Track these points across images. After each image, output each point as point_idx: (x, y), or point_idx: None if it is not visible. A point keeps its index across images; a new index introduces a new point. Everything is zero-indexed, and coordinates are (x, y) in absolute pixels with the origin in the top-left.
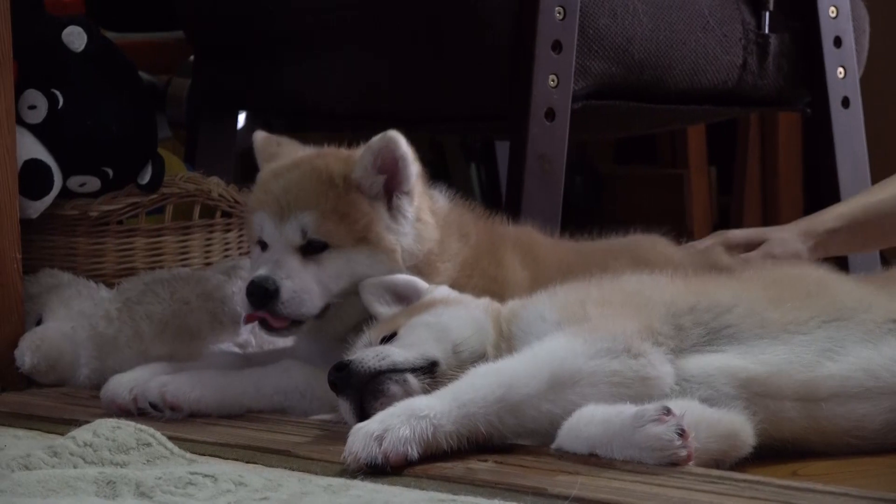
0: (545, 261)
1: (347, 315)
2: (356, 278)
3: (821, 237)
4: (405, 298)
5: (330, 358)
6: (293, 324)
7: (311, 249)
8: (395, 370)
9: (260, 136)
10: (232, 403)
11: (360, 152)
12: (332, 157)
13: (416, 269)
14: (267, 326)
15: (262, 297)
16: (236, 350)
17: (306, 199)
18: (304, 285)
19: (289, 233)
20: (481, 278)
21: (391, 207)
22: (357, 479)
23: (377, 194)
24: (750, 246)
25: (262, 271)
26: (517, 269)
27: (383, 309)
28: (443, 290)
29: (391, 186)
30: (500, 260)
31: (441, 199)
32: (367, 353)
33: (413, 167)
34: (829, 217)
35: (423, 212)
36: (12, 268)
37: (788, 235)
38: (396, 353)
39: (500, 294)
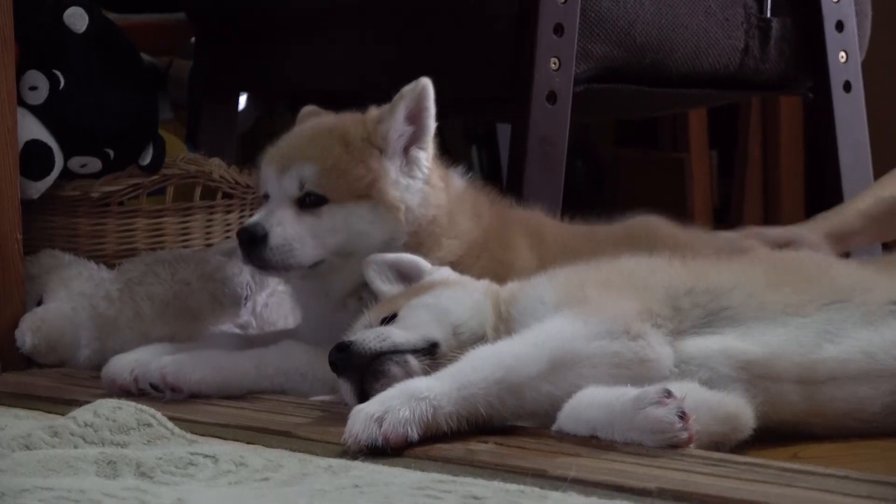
0: (552, 244)
1: (347, 273)
2: (355, 233)
3: (846, 237)
4: (408, 277)
5: (331, 332)
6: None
7: (308, 202)
8: (396, 351)
9: (305, 108)
10: (233, 385)
11: (384, 107)
12: (350, 118)
13: (418, 241)
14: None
15: (251, 242)
16: (237, 331)
17: (308, 153)
18: (296, 234)
19: (287, 184)
20: (489, 260)
21: (408, 162)
22: (357, 460)
23: (401, 148)
24: (778, 245)
25: (254, 218)
26: (525, 253)
27: (385, 286)
28: (444, 272)
29: (410, 140)
30: (509, 243)
31: (457, 179)
32: (368, 335)
33: (433, 121)
34: (851, 217)
35: (434, 176)
36: (13, 248)
37: (817, 238)
38: (397, 335)
39: (506, 277)
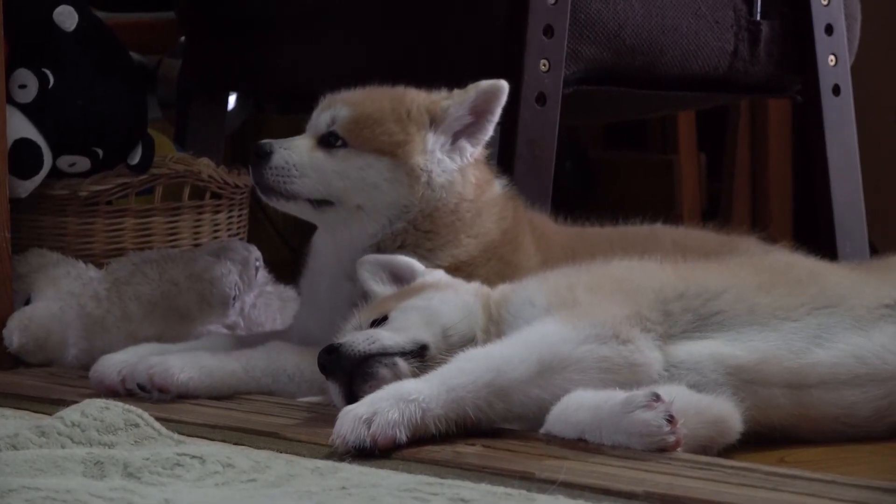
0: (556, 246)
1: (355, 229)
2: (366, 184)
3: None
4: (401, 279)
5: (331, 314)
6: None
7: (329, 142)
8: (385, 354)
9: None
10: (220, 386)
11: (458, 91)
12: (424, 92)
13: (434, 227)
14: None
15: (257, 157)
16: (225, 331)
17: (353, 99)
18: (299, 162)
19: (321, 119)
20: (499, 262)
21: (452, 146)
22: (345, 461)
23: (452, 131)
24: None
25: (268, 140)
26: (531, 254)
27: (378, 287)
28: (436, 275)
29: (465, 130)
30: (518, 244)
31: (497, 185)
32: (357, 337)
33: (492, 125)
34: None
35: (471, 172)
36: (1, 247)
37: None
38: (386, 337)
39: (513, 278)
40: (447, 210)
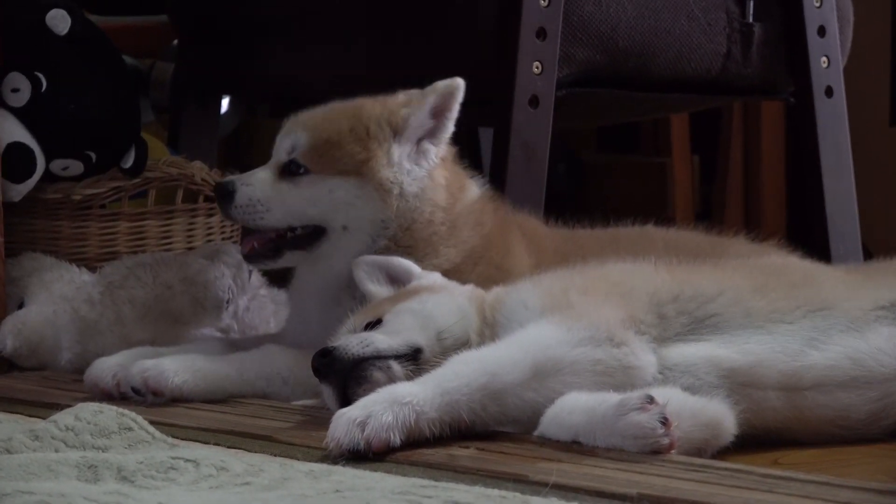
0: (547, 249)
1: (339, 254)
2: (339, 204)
3: None
4: (398, 281)
5: (322, 331)
6: (272, 253)
7: (291, 170)
8: (379, 357)
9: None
10: (215, 389)
11: (412, 92)
12: (375, 100)
13: (412, 241)
14: (251, 255)
15: (220, 197)
16: (218, 335)
17: (310, 123)
18: (263, 197)
19: (280, 148)
20: (487, 266)
21: (417, 152)
22: (339, 464)
23: (416, 138)
24: None
25: (232, 176)
26: (523, 257)
27: (374, 288)
28: (432, 277)
29: (427, 133)
30: (508, 248)
31: (474, 187)
32: (352, 340)
33: (452, 123)
34: None
35: (440, 172)
36: None
37: None
38: (380, 340)
39: (504, 282)
40: (423, 222)
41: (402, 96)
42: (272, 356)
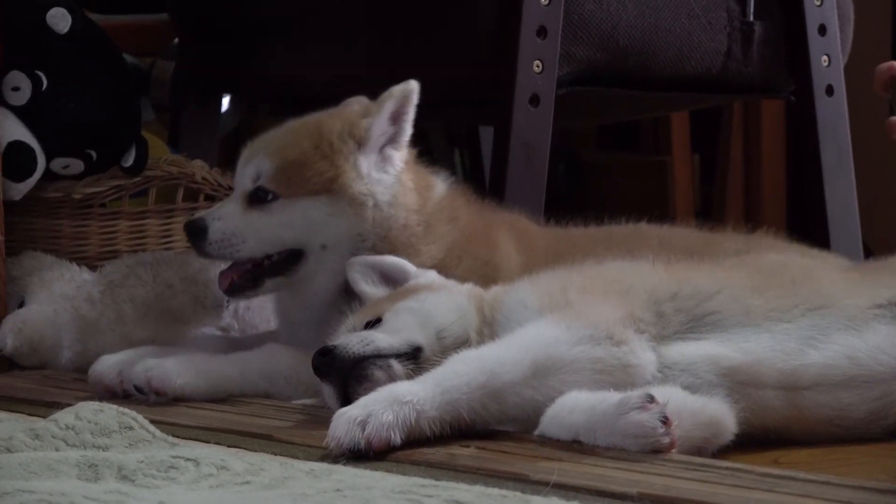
0: (538, 247)
1: (320, 275)
2: (315, 225)
3: None
4: (392, 280)
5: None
6: (252, 283)
7: (258, 198)
8: (380, 356)
9: (350, 100)
10: (217, 389)
11: (368, 103)
12: (331, 114)
13: (392, 247)
14: (231, 288)
15: (194, 235)
16: (218, 333)
17: (270, 147)
18: (236, 229)
19: (244, 177)
20: (473, 261)
21: (382, 160)
22: (339, 463)
23: (379, 146)
24: None
25: (201, 212)
26: (512, 254)
27: (369, 288)
28: (429, 276)
29: (388, 140)
30: (494, 244)
31: (439, 184)
32: (352, 339)
33: (411, 125)
34: None
35: (406, 177)
36: None
37: None
38: (381, 339)
39: (494, 278)
40: (399, 227)
41: (356, 106)
42: (274, 355)
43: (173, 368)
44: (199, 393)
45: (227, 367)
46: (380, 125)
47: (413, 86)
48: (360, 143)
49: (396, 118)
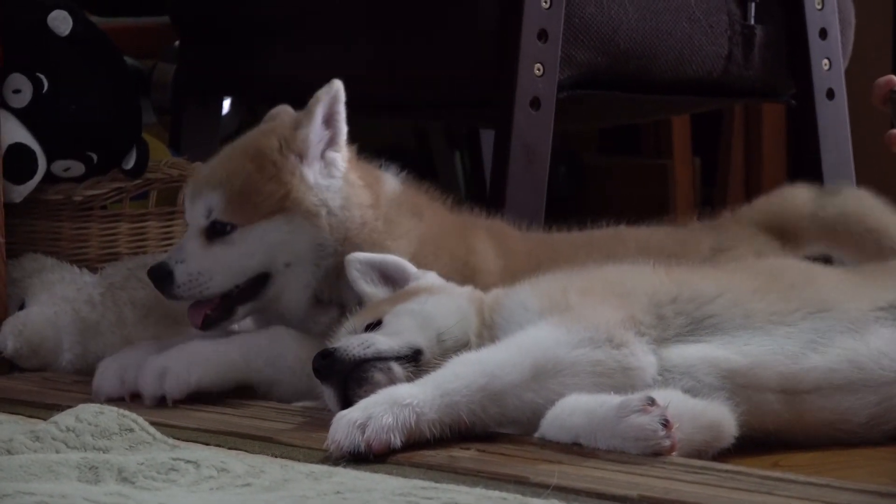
0: (520, 252)
1: (288, 292)
2: (275, 246)
3: None
4: (392, 280)
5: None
6: (226, 313)
7: (216, 231)
8: (380, 358)
9: (274, 110)
10: (224, 380)
11: (297, 113)
12: (261, 132)
13: (356, 248)
14: (206, 323)
15: (160, 281)
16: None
17: (214, 179)
18: (202, 267)
19: (196, 213)
20: (451, 259)
21: (325, 165)
22: (339, 466)
23: (319, 153)
24: None
25: (163, 257)
26: (490, 258)
27: (368, 288)
28: (430, 277)
29: (327, 144)
30: (471, 246)
31: (391, 179)
32: (352, 341)
33: (345, 123)
34: None
35: (352, 175)
36: None
37: None
38: (381, 342)
39: (472, 279)
40: (357, 227)
41: (284, 117)
42: (280, 338)
43: (181, 368)
44: (211, 386)
45: (231, 351)
46: (315, 132)
47: (338, 85)
48: (301, 155)
49: (329, 120)
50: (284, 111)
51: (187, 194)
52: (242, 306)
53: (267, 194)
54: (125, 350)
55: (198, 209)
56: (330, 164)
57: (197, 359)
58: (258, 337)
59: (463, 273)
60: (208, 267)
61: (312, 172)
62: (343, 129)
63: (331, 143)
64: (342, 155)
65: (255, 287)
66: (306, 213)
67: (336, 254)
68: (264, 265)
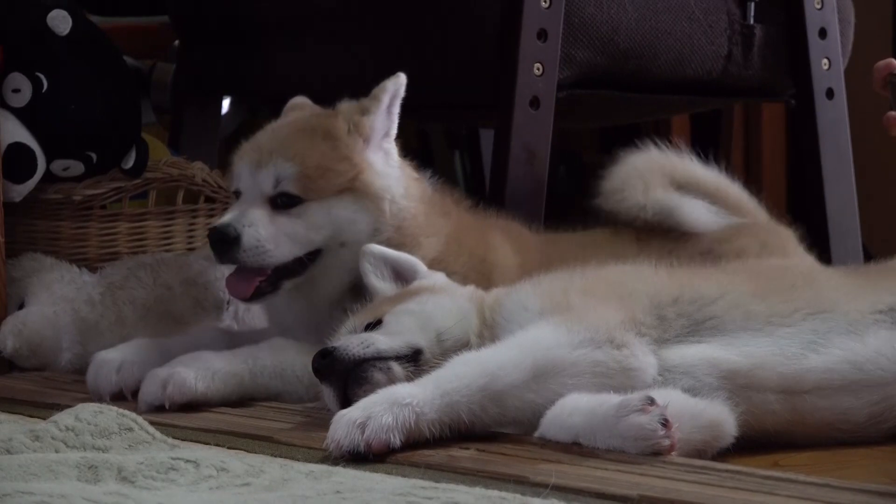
0: (532, 250)
1: (332, 272)
2: (339, 226)
3: None
4: (402, 277)
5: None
6: (272, 286)
7: (281, 202)
8: (380, 358)
9: (293, 100)
10: (231, 391)
11: (363, 100)
12: (329, 113)
13: (401, 240)
14: (255, 294)
15: (224, 243)
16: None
17: (288, 151)
18: (269, 235)
19: (262, 181)
20: (470, 257)
21: (385, 154)
22: (339, 465)
23: (380, 140)
24: None
25: (225, 218)
26: (509, 255)
27: (377, 282)
28: (434, 277)
29: (384, 135)
30: (489, 243)
31: (426, 182)
32: (352, 341)
33: (397, 118)
34: None
35: (408, 168)
36: None
37: None
38: (381, 341)
39: (491, 276)
40: (410, 218)
41: (351, 104)
42: (282, 349)
43: (189, 375)
44: (218, 397)
45: (238, 365)
46: (380, 120)
47: (402, 79)
48: (366, 140)
49: (390, 111)
50: (302, 102)
51: (248, 161)
52: (289, 280)
53: (339, 172)
54: (121, 346)
55: (264, 178)
56: (387, 154)
57: (204, 374)
58: (260, 351)
59: (481, 270)
60: (275, 235)
61: (376, 158)
62: (396, 122)
63: (387, 134)
64: (394, 147)
65: (304, 262)
66: (374, 196)
67: (387, 241)
68: (326, 241)
